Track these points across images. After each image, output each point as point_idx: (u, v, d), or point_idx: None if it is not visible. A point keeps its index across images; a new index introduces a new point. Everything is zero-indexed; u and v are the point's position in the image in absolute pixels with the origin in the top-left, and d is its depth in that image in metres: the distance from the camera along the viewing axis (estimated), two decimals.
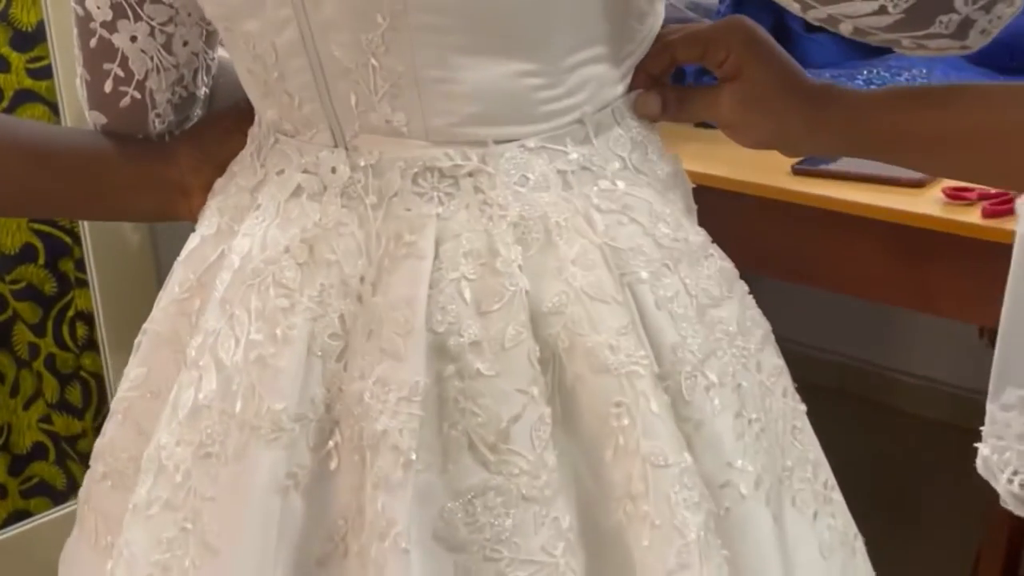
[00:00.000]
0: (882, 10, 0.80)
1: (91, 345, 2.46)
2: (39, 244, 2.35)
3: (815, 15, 0.83)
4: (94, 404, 2.49)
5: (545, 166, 0.86)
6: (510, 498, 0.83)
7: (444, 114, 0.85)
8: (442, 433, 0.84)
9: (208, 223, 0.97)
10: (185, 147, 1.04)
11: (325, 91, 0.87)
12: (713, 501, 0.85)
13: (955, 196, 1.56)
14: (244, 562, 0.87)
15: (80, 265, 2.41)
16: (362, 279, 0.88)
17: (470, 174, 0.86)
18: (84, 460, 2.60)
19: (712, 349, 0.87)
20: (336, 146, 0.89)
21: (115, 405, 1.02)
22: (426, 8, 0.81)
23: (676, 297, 0.87)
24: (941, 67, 1.94)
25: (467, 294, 0.84)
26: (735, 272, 0.93)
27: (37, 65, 2.25)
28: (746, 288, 0.94)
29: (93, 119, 1.04)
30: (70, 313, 2.43)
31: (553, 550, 0.83)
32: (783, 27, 2.01)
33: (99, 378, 2.48)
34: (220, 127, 1.03)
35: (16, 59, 2.23)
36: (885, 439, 2.77)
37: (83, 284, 2.42)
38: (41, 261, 2.36)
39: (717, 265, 0.91)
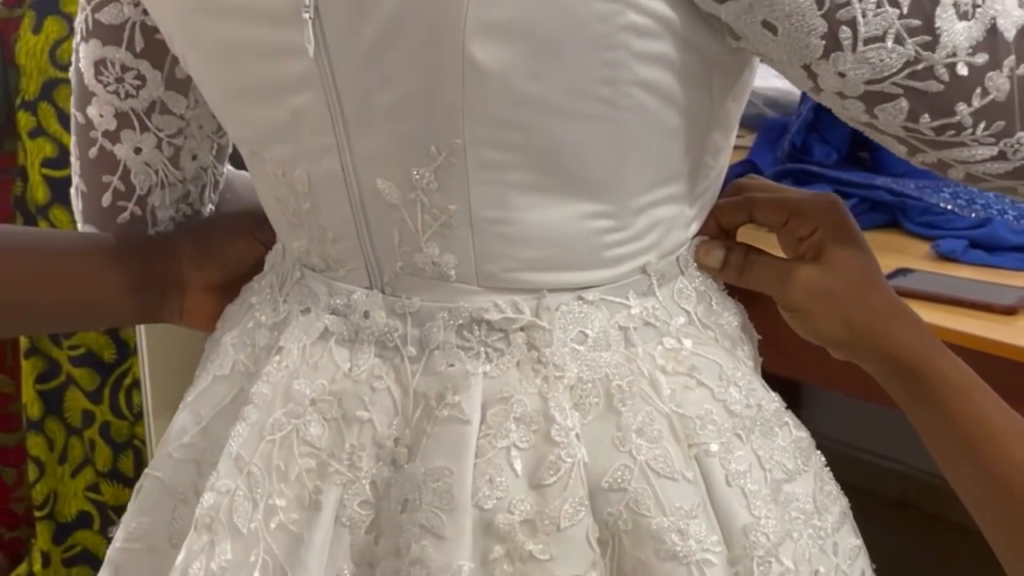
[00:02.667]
0: (1001, 156, 0.73)
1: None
2: None
3: (923, 159, 0.76)
4: None
5: (605, 321, 0.79)
6: None
7: (499, 258, 0.78)
8: None
9: (221, 362, 0.89)
10: (186, 240, 0.94)
11: (364, 227, 0.80)
12: None
13: None
14: None
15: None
16: (397, 441, 0.80)
17: (523, 328, 0.78)
18: None
19: (787, 531, 0.79)
20: (372, 287, 0.82)
21: (109, 558, 0.93)
22: (487, 143, 0.74)
23: (749, 472, 0.79)
24: None
25: (518, 465, 0.77)
26: (812, 442, 0.85)
27: None
28: (823, 460, 0.85)
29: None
30: (127, 381, 2.39)
31: None
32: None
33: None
34: (229, 224, 0.95)
35: None
36: (945, 553, 2.66)
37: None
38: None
39: (792, 435, 0.83)
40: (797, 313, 0.82)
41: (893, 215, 1.90)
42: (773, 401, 0.83)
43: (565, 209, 0.76)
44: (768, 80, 1.64)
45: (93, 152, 0.92)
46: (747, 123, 2.29)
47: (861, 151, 2.08)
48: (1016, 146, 0.73)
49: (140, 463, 2.44)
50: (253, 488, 0.81)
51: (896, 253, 1.80)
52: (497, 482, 0.76)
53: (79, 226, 0.97)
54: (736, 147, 2.41)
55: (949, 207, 1.83)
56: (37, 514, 2.40)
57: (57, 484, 2.41)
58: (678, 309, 0.81)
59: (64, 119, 2.19)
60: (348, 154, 0.78)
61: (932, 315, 1.58)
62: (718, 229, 0.84)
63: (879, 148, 1.97)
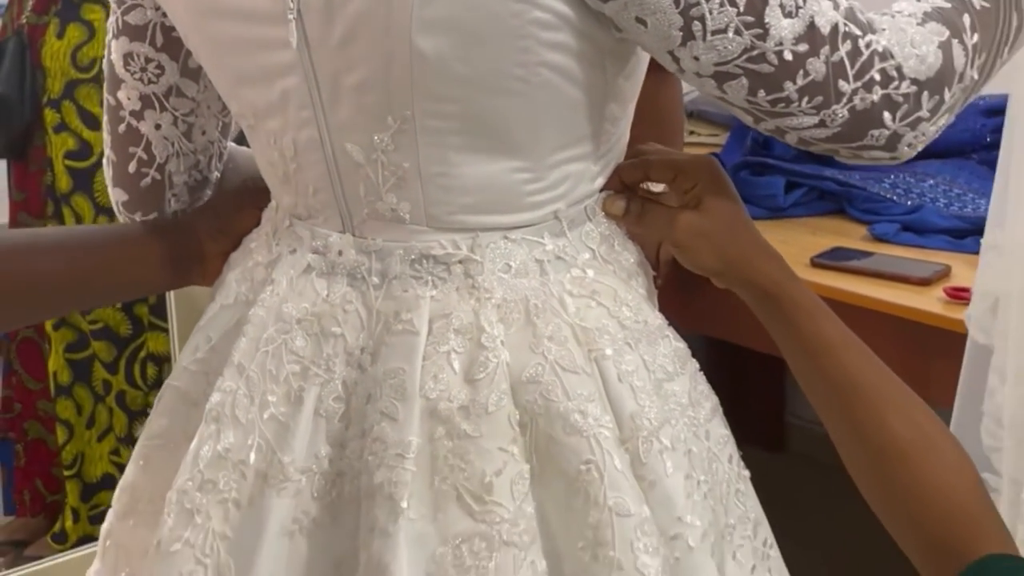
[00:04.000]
0: (821, 124, 0.93)
1: (159, 385, 2.59)
2: None
3: (765, 127, 0.96)
4: None
5: (525, 256, 0.99)
6: (493, 543, 0.94)
7: (442, 204, 0.97)
8: (433, 486, 0.96)
9: (226, 292, 1.09)
10: (202, 218, 1.15)
11: (338, 182, 1.00)
12: (666, 550, 0.97)
13: (954, 296, 1.67)
14: None
15: (153, 310, 2.55)
16: (363, 350, 1.00)
17: (460, 261, 0.98)
18: None
19: (666, 418, 0.99)
20: (344, 231, 1.02)
21: (136, 452, 1.14)
22: (430, 114, 0.94)
23: (636, 371, 0.98)
24: (964, 175, 2.05)
25: (456, 365, 0.97)
26: (688, 351, 1.05)
27: None
28: (697, 366, 1.05)
29: (115, 196, 1.16)
30: (142, 354, 2.59)
31: None
32: None
33: None
34: (234, 201, 1.15)
35: None
36: None
37: (155, 328, 2.57)
38: (118, 305, 2.52)
39: (672, 346, 1.03)
40: (682, 249, 1.02)
41: (839, 202, 2.11)
42: (657, 319, 1.03)
43: (493, 165, 0.97)
44: None
45: (121, 128, 1.13)
46: (722, 122, 2.49)
47: None
48: (833, 116, 0.92)
49: None
50: (251, 388, 1.02)
51: (838, 235, 2.01)
52: (440, 378, 0.96)
53: (109, 190, 1.17)
54: (709, 144, 2.62)
55: (888, 195, 2.03)
56: (66, 473, 2.60)
57: (84, 447, 2.60)
58: (584, 247, 1.01)
59: (84, 115, 2.41)
60: (324, 124, 0.98)
61: (860, 286, 1.80)
62: (621, 185, 1.04)
63: None
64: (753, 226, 1.03)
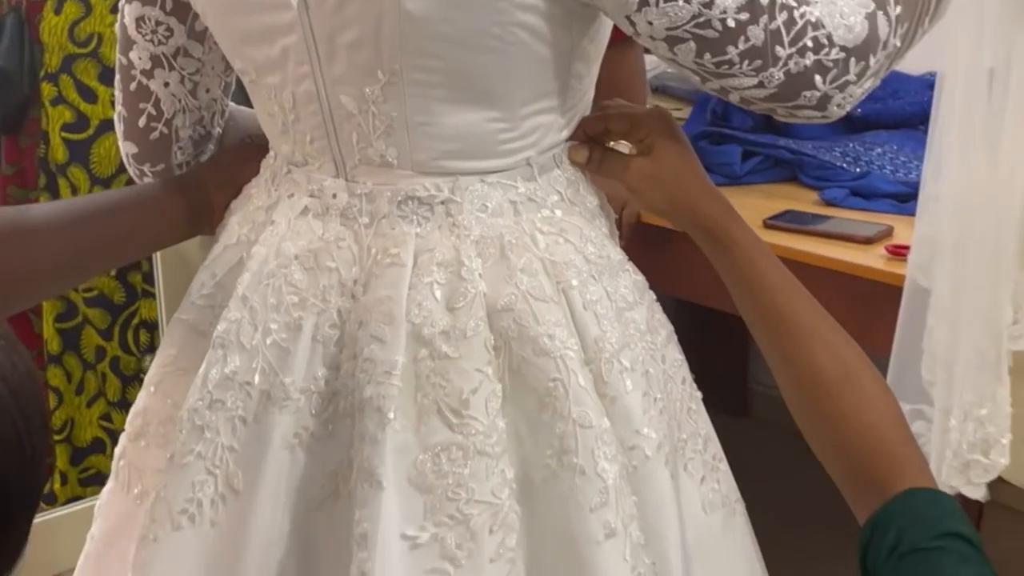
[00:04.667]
0: (760, 85, 1.05)
1: (152, 350, 2.70)
2: None
3: (711, 86, 1.08)
4: None
5: (500, 197, 1.11)
6: (468, 452, 1.07)
7: (427, 150, 1.09)
8: (416, 401, 1.08)
9: (229, 234, 1.21)
10: (209, 172, 1.26)
11: (332, 131, 1.12)
12: (625, 459, 1.09)
13: (895, 252, 1.80)
14: (259, 501, 1.11)
15: (147, 278, 2.66)
16: (355, 282, 1.12)
17: (443, 202, 1.10)
18: None
19: (626, 342, 1.11)
20: (338, 176, 1.13)
21: (148, 379, 1.25)
22: (417, 67, 1.06)
23: (599, 301, 1.11)
24: (910, 144, 2.18)
25: (438, 294, 1.09)
26: (646, 284, 1.18)
27: None
28: (654, 296, 1.18)
29: (126, 149, 1.28)
30: (135, 321, 2.69)
31: (500, 494, 1.07)
32: None
33: None
34: (238, 155, 1.26)
35: (103, 93, 2.52)
36: None
37: (148, 295, 2.68)
38: (112, 272, 2.62)
39: (632, 278, 1.16)
40: (636, 192, 1.15)
41: (792, 170, 2.25)
42: (618, 254, 1.16)
43: (472, 115, 1.08)
44: None
45: (133, 86, 1.24)
46: (684, 97, 2.61)
47: (776, 120, 2.41)
48: (770, 78, 1.04)
49: None
50: (254, 317, 1.13)
51: (791, 200, 2.14)
52: (424, 305, 1.09)
53: (120, 143, 1.29)
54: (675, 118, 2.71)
55: (838, 163, 2.17)
56: (56, 438, 2.68)
57: (74, 412, 2.69)
58: (552, 190, 1.14)
59: (81, 89, 2.51)
60: (321, 78, 1.10)
61: (809, 245, 1.93)
62: (585, 136, 1.17)
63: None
64: (702, 172, 1.15)
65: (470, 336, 1.08)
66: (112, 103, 2.51)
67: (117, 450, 1.26)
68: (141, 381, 2.65)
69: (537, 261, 1.10)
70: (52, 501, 2.69)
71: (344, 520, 1.09)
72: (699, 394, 1.20)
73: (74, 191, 2.54)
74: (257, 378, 1.12)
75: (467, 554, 1.06)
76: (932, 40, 1.15)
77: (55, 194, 2.55)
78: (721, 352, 3.07)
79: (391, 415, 1.07)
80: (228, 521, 1.12)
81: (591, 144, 1.16)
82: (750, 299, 1.11)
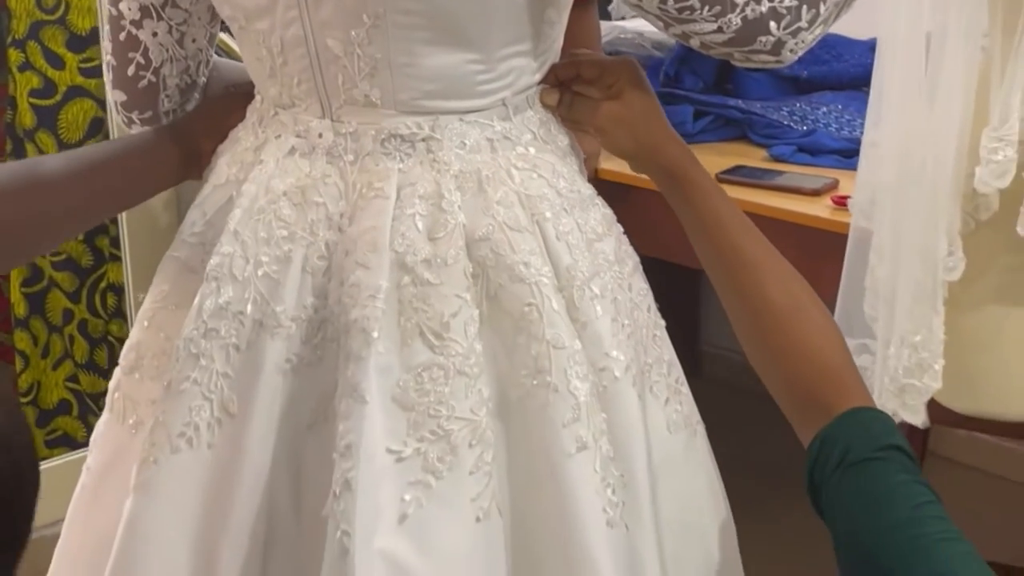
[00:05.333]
0: (719, 30, 1.14)
1: (119, 313, 2.76)
2: None
3: (673, 31, 1.16)
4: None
5: (478, 135, 1.18)
6: (448, 372, 1.14)
7: (408, 90, 1.16)
8: (400, 325, 1.15)
9: (218, 175, 1.27)
10: (198, 120, 1.33)
11: (319, 73, 1.18)
12: (595, 379, 1.17)
13: (839, 203, 1.91)
14: (253, 423, 1.18)
15: (115, 242, 2.71)
16: (341, 215, 1.19)
17: (424, 140, 1.18)
18: None
19: (596, 271, 1.19)
20: (323, 117, 1.20)
21: (141, 315, 1.31)
22: (400, 11, 1.12)
23: (571, 232, 1.19)
24: (854, 104, 2.29)
25: (420, 225, 1.16)
26: (614, 217, 1.26)
27: (89, 65, 2.59)
28: (621, 230, 1.26)
29: (115, 97, 1.33)
30: (103, 284, 2.73)
31: (478, 412, 1.15)
32: (728, 66, 2.37)
33: (124, 343, 2.76)
34: (223, 104, 1.32)
35: (71, 59, 2.56)
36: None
37: (116, 259, 2.72)
38: (80, 236, 2.65)
39: (601, 212, 1.24)
40: (604, 133, 1.23)
41: (742, 129, 2.34)
42: (588, 189, 1.24)
43: (452, 57, 1.16)
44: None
45: (122, 36, 1.29)
46: (639, 61, 2.69)
47: (726, 82, 2.51)
48: (728, 23, 1.13)
49: (114, 356, 2.77)
50: (246, 250, 1.19)
51: (741, 156, 2.24)
52: (407, 235, 1.16)
53: (109, 91, 1.35)
54: None
55: (786, 122, 2.26)
56: (23, 400, 2.71)
57: (40, 375, 2.74)
58: (526, 129, 1.21)
59: (49, 55, 2.54)
60: (308, 23, 1.17)
61: (758, 197, 2.02)
62: (556, 80, 1.24)
63: (741, 80, 2.41)
64: (664, 118, 1.23)
65: (450, 264, 1.16)
66: (80, 69, 2.58)
67: (112, 383, 1.32)
68: (109, 344, 2.75)
69: (513, 194, 1.18)
70: None
71: (333, 442, 1.15)
72: (663, 322, 1.29)
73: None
74: (249, 308, 1.18)
75: (448, 467, 1.14)
76: (875, 7, 1.24)
77: (22, 156, 2.59)
78: (673, 313, 3.12)
79: (375, 334, 1.13)
80: (224, 443, 1.19)
81: (562, 88, 1.24)
82: (706, 237, 1.19)
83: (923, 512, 0.99)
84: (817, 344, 1.13)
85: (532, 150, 1.21)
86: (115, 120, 2.57)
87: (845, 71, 2.40)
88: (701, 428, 1.30)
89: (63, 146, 2.59)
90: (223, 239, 1.21)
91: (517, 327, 1.16)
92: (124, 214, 2.61)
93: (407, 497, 1.13)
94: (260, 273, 1.19)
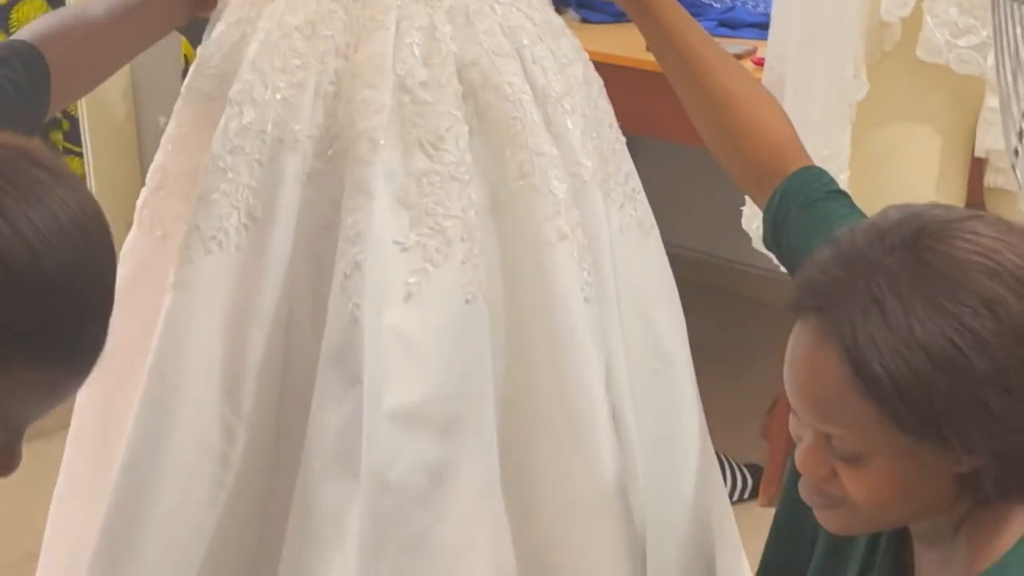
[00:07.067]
0: None
1: None
2: None
3: None
4: None
5: None
6: (444, 178, 1.34)
7: None
8: (402, 137, 1.34)
9: (230, 13, 1.41)
10: None
11: None
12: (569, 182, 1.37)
13: (758, 63, 2.13)
14: (275, 226, 1.35)
15: (68, 135, 2.81)
16: (347, 45, 1.36)
17: None
18: None
19: (567, 90, 1.40)
20: None
21: (165, 140, 1.46)
22: None
23: (545, 57, 1.39)
24: None
25: (417, 52, 1.34)
26: (580, 46, 1.46)
27: None
28: (588, 57, 1.46)
29: None
30: None
31: (468, 211, 1.35)
32: None
33: None
34: None
35: None
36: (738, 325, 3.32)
37: (69, 152, 2.82)
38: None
39: (570, 41, 1.44)
40: None
41: None
42: (559, 20, 1.43)
43: None
44: None
45: None
46: None
47: None
48: None
49: None
50: (264, 78, 1.36)
51: None
52: (406, 61, 1.34)
53: None
54: None
55: (707, 1, 2.47)
56: None
57: None
58: None
59: None
60: None
61: None
62: None
63: None
64: None
65: (443, 85, 1.35)
66: None
67: (139, 202, 1.48)
68: None
69: (496, 25, 1.37)
70: None
71: (342, 238, 1.34)
72: (623, 139, 1.50)
73: None
74: (270, 127, 1.36)
75: (443, 256, 1.34)
76: None
77: None
78: None
79: (382, 142, 1.32)
80: (250, 244, 1.37)
81: None
82: (672, 49, 1.37)
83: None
84: (771, 124, 1.33)
85: None
86: None
87: None
88: (655, 232, 1.51)
89: None
90: (242, 69, 1.37)
91: (503, 139, 1.36)
92: (83, 105, 2.74)
93: (411, 280, 1.33)
94: (278, 97, 1.36)
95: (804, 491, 1.04)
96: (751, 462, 2.55)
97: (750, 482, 2.51)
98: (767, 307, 3.28)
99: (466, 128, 1.36)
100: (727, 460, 2.47)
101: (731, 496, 2.30)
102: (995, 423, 0.93)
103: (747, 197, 1.94)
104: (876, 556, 1.12)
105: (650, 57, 2.20)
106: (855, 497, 0.99)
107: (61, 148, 2.83)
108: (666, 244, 1.53)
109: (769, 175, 1.31)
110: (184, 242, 1.37)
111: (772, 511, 1.28)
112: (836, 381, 0.96)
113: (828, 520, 1.05)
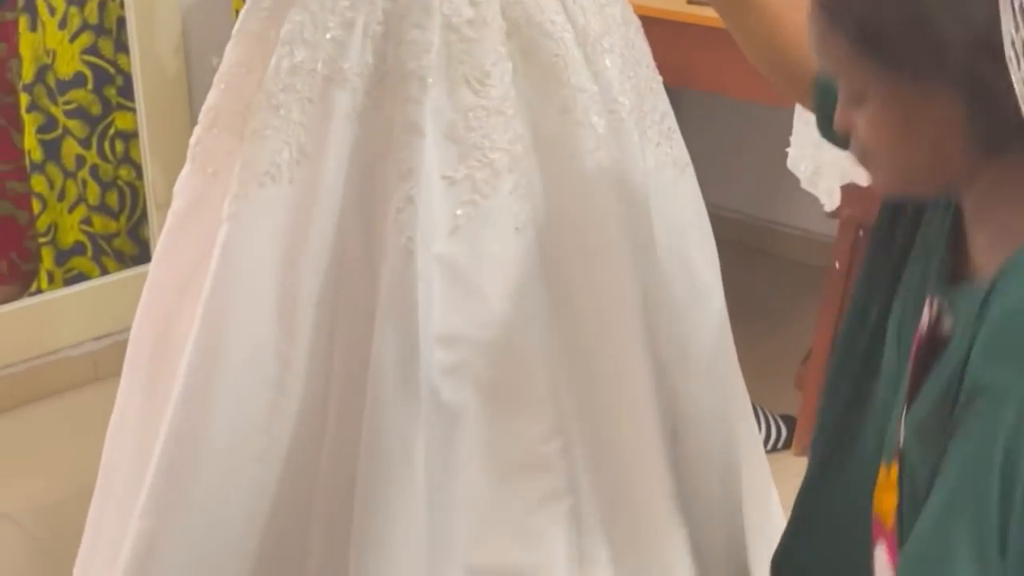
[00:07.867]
0: None
1: (127, 160, 2.94)
2: (88, 72, 2.84)
3: None
4: (127, 208, 2.99)
5: None
6: (490, 112, 1.39)
7: None
8: (449, 75, 1.39)
9: None
10: None
11: None
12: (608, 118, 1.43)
13: None
14: (326, 161, 1.40)
15: (121, 91, 2.88)
16: None
17: None
18: (118, 256, 3.01)
19: (606, 30, 1.45)
20: None
21: (217, 79, 1.51)
22: None
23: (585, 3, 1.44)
24: None
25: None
26: None
27: None
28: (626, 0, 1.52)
29: None
30: (111, 131, 2.91)
31: (514, 144, 1.40)
32: None
33: (133, 187, 2.96)
34: None
35: None
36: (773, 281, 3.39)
37: (122, 108, 2.89)
38: (89, 87, 2.84)
39: None
40: None
41: None
42: None
43: None
44: None
45: None
46: None
47: None
48: None
49: (123, 199, 2.96)
50: (314, 19, 1.40)
51: None
52: (452, 1, 1.38)
53: None
54: None
55: None
56: (41, 240, 2.92)
57: (57, 217, 2.92)
58: None
59: None
60: None
61: None
62: None
63: None
64: None
65: (489, 23, 1.40)
66: None
67: (192, 140, 1.54)
68: (118, 187, 2.94)
69: None
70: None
71: (394, 170, 1.40)
72: (660, 78, 1.54)
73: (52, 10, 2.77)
74: (320, 65, 1.41)
75: (492, 188, 1.40)
76: None
77: (33, 13, 2.78)
78: None
79: (430, 80, 1.38)
80: (303, 178, 1.42)
81: None
82: None
83: None
84: (800, 17, 1.26)
85: None
86: None
87: None
88: (690, 170, 1.56)
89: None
90: (292, 11, 1.43)
91: (546, 76, 1.41)
92: (136, 61, 2.80)
93: (459, 212, 1.38)
94: (328, 36, 1.41)
95: (851, 149, 1.10)
96: (785, 413, 2.60)
97: (784, 432, 2.56)
98: (801, 265, 3.34)
99: (510, 64, 1.41)
100: (762, 411, 2.52)
101: (765, 445, 2.35)
102: (945, 51, 0.96)
103: (792, 138, 1.99)
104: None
105: (688, 9, 2.29)
106: (864, 139, 1.05)
107: (115, 103, 2.90)
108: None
109: (801, 69, 1.30)
110: (238, 177, 1.43)
111: (805, 460, 1.31)
112: (817, 24, 1.03)
113: (867, 177, 1.12)
